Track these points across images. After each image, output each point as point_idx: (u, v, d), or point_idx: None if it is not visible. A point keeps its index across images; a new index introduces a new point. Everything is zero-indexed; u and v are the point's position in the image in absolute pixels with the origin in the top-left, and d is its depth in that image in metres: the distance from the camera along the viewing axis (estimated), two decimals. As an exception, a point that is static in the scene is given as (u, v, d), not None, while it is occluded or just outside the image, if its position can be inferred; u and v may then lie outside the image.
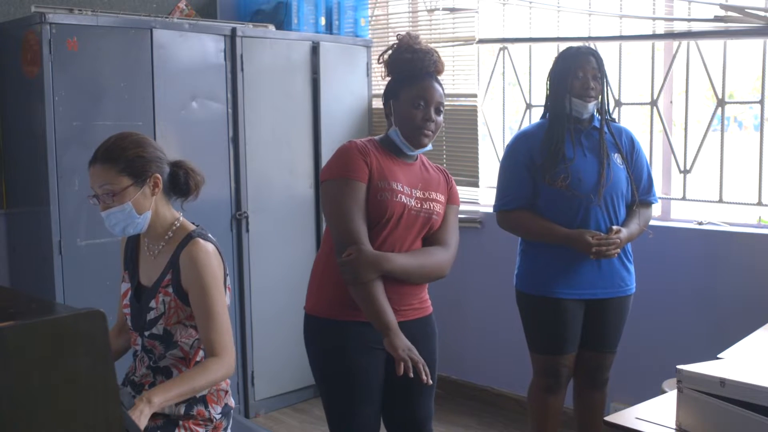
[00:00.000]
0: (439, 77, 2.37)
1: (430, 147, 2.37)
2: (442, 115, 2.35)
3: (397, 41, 2.35)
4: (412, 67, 2.31)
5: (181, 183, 2.18)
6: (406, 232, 2.28)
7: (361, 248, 2.17)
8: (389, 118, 2.36)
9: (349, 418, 2.32)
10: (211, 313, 2.09)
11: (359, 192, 2.22)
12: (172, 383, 2.04)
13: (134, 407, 1.92)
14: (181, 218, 2.22)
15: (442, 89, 2.35)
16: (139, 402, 1.94)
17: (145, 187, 2.10)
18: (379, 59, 2.40)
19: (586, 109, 2.81)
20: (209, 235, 2.20)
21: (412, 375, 2.10)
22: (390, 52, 2.35)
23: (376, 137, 2.40)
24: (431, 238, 2.35)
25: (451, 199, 2.43)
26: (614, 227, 2.79)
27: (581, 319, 2.87)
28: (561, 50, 2.93)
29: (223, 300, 2.13)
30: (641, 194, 2.91)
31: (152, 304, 2.15)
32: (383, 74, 2.39)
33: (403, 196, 2.27)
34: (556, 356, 2.87)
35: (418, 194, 2.32)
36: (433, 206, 2.33)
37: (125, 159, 2.07)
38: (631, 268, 2.92)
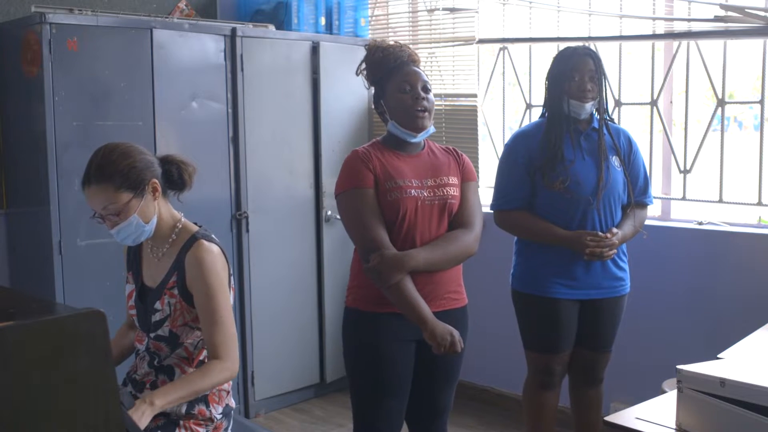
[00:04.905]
0: (418, 65, 2.45)
1: (432, 129, 2.44)
2: (431, 94, 2.42)
3: (365, 51, 2.46)
4: (387, 62, 2.41)
5: (175, 178, 2.19)
6: (426, 222, 2.35)
7: (383, 253, 2.26)
8: (384, 116, 2.44)
9: (375, 409, 2.40)
10: (215, 316, 2.08)
11: (370, 198, 2.31)
12: (174, 386, 2.04)
13: (136, 408, 1.92)
14: (183, 219, 2.22)
15: (424, 74, 2.43)
16: (141, 404, 1.94)
17: (146, 195, 2.10)
18: (357, 73, 2.49)
19: (584, 110, 2.80)
20: (213, 235, 2.20)
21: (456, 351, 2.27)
22: (363, 62, 2.46)
23: (379, 138, 2.47)
24: (454, 221, 2.42)
25: (466, 176, 2.48)
26: (611, 229, 2.79)
27: (576, 319, 2.88)
28: (558, 51, 2.92)
29: (227, 302, 2.13)
30: (637, 195, 2.91)
31: (157, 305, 2.15)
32: (366, 85, 2.50)
33: (413, 190, 2.34)
34: (551, 355, 2.89)
35: (430, 183, 2.38)
36: (447, 191, 2.39)
37: (119, 174, 2.04)
38: (626, 267, 2.92)
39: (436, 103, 4.48)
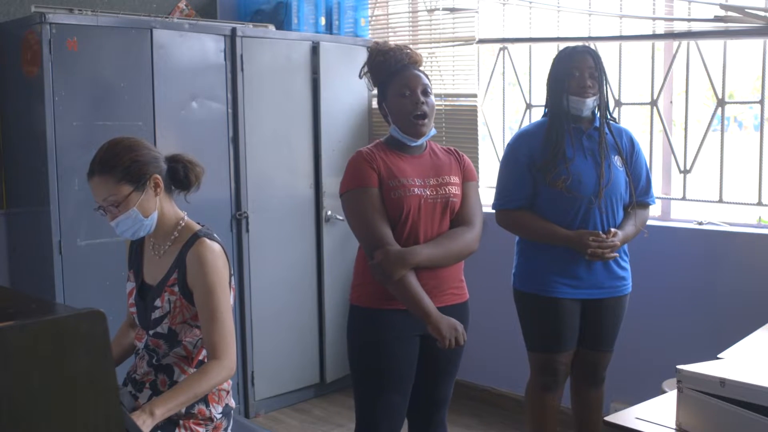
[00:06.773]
0: (419, 67, 2.50)
1: (434, 131, 2.49)
2: (431, 97, 2.47)
3: (368, 53, 2.51)
4: (388, 66, 2.46)
5: (181, 177, 2.19)
6: (429, 220, 2.41)
7: (387, 249, 2.32)
8: (387, 119, 2.49)
9: (378, 405, 2.44)
10: (215, 315, 2.09)
11: (374, 197, 2.37)
12: (174, 392, 2.03)
13: (136, 417, 1.92)
14: (186, 217, 2.23)
15: (425, 75, 2.48)
16: (141, 413, 1.94)
17: (147, 190, 2.11)
18: (360, 76, 2.56)
19: (585, 106, 2.80)
20: (215, 234, 2.20)
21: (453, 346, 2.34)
22: (365, 65, 2.52)
23: (382, 139, 2.54)
24: (455, 219, 2.48)
25: (467, 176, 2.54)
26: (611, 230, 2.79)
27: (578, 318, 2.88)
28: (558, 51, 2.93)
29: (227, 301, 2.13)
30: (639, 195, 2.91)
31: (157, 303, 2.15)
32: (370, 87, 2.59)
33: (416, 189, 2.40)
34: (554, 354, 2.88)
35: (432, 182, 2.44)
36: (449, 189, 2.45)
37: (121, 167, 2.06)
38: (628, 267, 2.93)
39: (436, 103, 4.50)
